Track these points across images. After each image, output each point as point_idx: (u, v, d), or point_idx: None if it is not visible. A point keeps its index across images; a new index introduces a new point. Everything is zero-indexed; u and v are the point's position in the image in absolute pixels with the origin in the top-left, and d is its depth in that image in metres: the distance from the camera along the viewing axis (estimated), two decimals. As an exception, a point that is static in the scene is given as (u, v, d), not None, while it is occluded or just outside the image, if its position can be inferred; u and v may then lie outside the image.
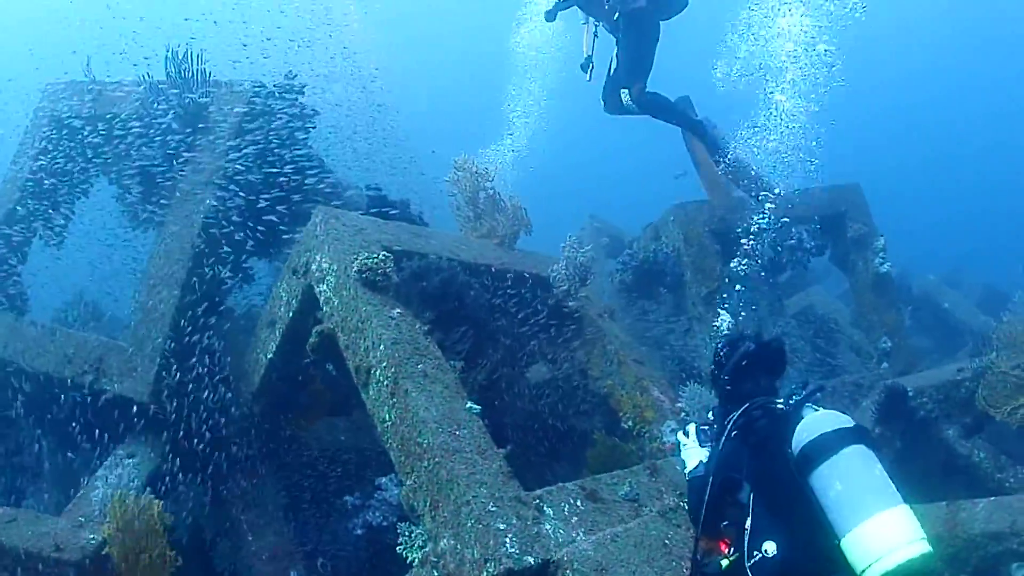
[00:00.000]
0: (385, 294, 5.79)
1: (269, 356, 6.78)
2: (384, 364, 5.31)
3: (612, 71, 8.86)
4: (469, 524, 4.47)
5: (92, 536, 5.97)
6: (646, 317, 10.01)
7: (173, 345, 6.85)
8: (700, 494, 4.68)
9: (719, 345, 5.38)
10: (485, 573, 4.29)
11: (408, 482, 4.98)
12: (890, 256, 10.39)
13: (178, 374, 6.79)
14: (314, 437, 7.50)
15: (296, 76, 7.57)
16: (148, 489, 6.25)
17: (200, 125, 7.34)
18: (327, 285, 6.04)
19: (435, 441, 4.81)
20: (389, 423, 5.19)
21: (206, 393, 6.83)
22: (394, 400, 5.16)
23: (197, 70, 7.39)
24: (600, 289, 9.33)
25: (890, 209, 11.16)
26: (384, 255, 5.80)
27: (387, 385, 5.25)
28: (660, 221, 9.95)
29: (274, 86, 7.49)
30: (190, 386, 6.80)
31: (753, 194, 9.03)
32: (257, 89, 7.39)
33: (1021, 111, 48.30)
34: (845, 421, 4.22)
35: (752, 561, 4.01)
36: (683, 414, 6.96)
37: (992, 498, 6.23)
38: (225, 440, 7.01)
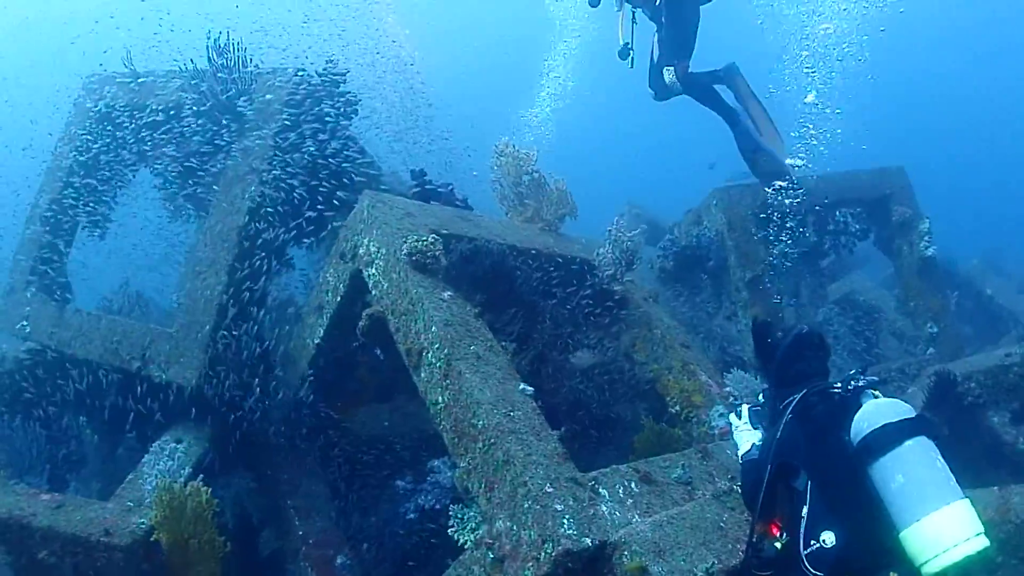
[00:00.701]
0: (435, 277, 5.78)
1: (317, 341, 6.79)
2: (436, 346, 5.28)
3: (655, 57, 8.84)
4: (526, 505, 4.44)
5: (141, 521, 6.00)
6: (687, 302, 9.91)
7: (220, 330, 6.86)
8: (755, 477, 4.62)
9: (760, 330, 5.32)
10: (543, 554, 4.26)
11: (462, 464, 4.95)
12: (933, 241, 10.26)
13: (225, 359, 6.81)
14: (359, 423, 7.52)
15: (337, 63, 7.55)
16: (201, 477, 6.24)
17: (243, 112, 7.35)
18: (376, 269, 6.02)
19: (490, 422, 4.78)
20: (442, 405, 5.16)
21: (253, 378, 6.84)
22: (447, 382, 5.14)
23: (239, 58, 7.39)
24: (640, 276, 9.28)
25: (931, 193, 10.95)
26: (433, 238, 5.78)
27: (439, 367, 5.22)
28: (702, 206, 9.85)
29: (317, 73, 7.48)
30: (238, 371, 6.82)
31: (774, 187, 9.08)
32: (300, 76, 7.38)
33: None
34: (907, 411, 4.14)
35: (809, 550, 3.96)
36: (731, 399, 6.89)
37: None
38: (272, 425, 7.04)
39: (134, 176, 8.35)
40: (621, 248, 7.27)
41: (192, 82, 7.60)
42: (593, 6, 8.80)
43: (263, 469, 7.29)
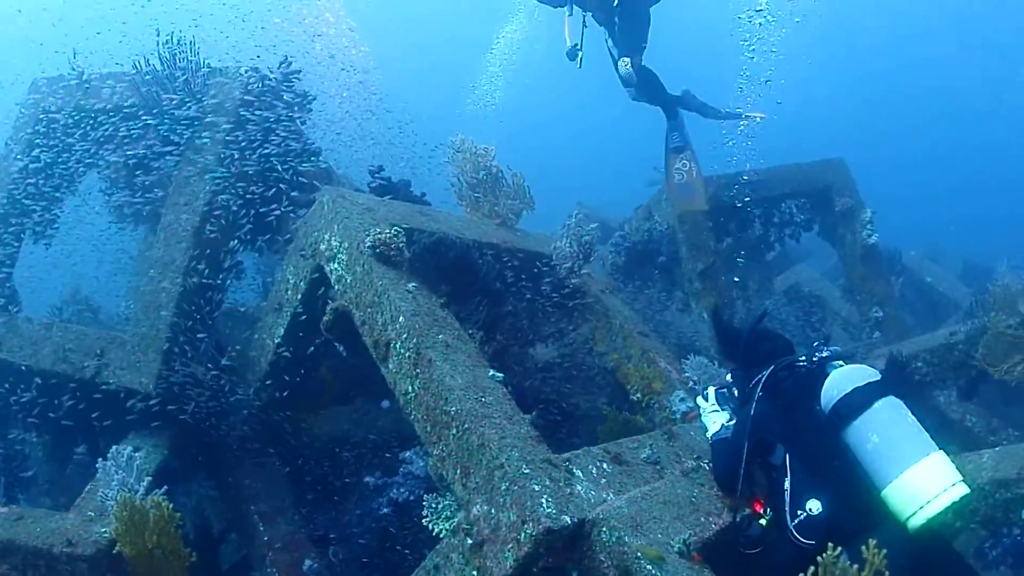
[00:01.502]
0: (399, 269, 5.77)
1: (277, 341, 6.69)
2: (405, 336, 5.27)
3: (615, 58, 9.15)
4: (504, 487, 4.45)
5: (104, 530, 5.81)
6: (640, 296, 10.05)
7: (177, 333, 6.75)
8: (730, 455, 4.76)
9: (721, 317, 5.44)
10: (524, 535, 4.27)
11: (436, 452, 4.94)
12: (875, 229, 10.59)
13: (183, 363, 6.69)
14: (319, 425, 7.46)
15: (292, 62, 7.51)
16: (165, 489, 6.09)
17: (196, 112, 7.26)
18: (338, 263, 5.99)
19: (463, 408, 4.79)
20: (412, 394, 5.15)
21: (212, 382, 6.74)
22: (417, 371, 5.13)
23: (191, 58, 7.30)
24: (593, 272, 9.41)
25: (868, 186, 11.28)
26: (396, 230, 5.78)
27: (409, 357, 5.21)
28: (653, 201, 10.06)
29: (270, 71, 7.43)
30: (196, 375, 6.70)
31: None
32: (253, 75, 7.32)
33: (991, 86, 49.36)
34: (872, 374, 4.31)
35: (797, 520, 4.07)
36: (691, 384, 7.02)
37: (998, 448, 6.35)
38: (233, 429, 6.94)
39: (81, 181, 8.15)
40: (579, 242, 7.35)
41: (142, 81, 7.47)
42: (540, 2, 9.09)
43: (224, 475, 7.17)
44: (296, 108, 7.39)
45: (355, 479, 6.91)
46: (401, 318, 5.34)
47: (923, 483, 3.78)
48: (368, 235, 5.75)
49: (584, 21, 9.27)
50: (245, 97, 7.22)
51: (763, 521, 4.37)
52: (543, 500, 4.33)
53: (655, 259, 10.07)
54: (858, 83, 49.39)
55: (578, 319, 7.62)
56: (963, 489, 3.78)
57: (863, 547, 3.49)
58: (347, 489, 7.01)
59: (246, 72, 7.35)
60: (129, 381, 6.77)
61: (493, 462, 4.55)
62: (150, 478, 6.53)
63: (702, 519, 4.75)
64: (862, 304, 10.43)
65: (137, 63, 7.36)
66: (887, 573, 3.44)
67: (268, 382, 6.86)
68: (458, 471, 4.76)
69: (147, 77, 7.35)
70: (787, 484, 4.16)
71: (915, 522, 3.77)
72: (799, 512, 4.06)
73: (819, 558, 3.50)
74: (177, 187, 7.15)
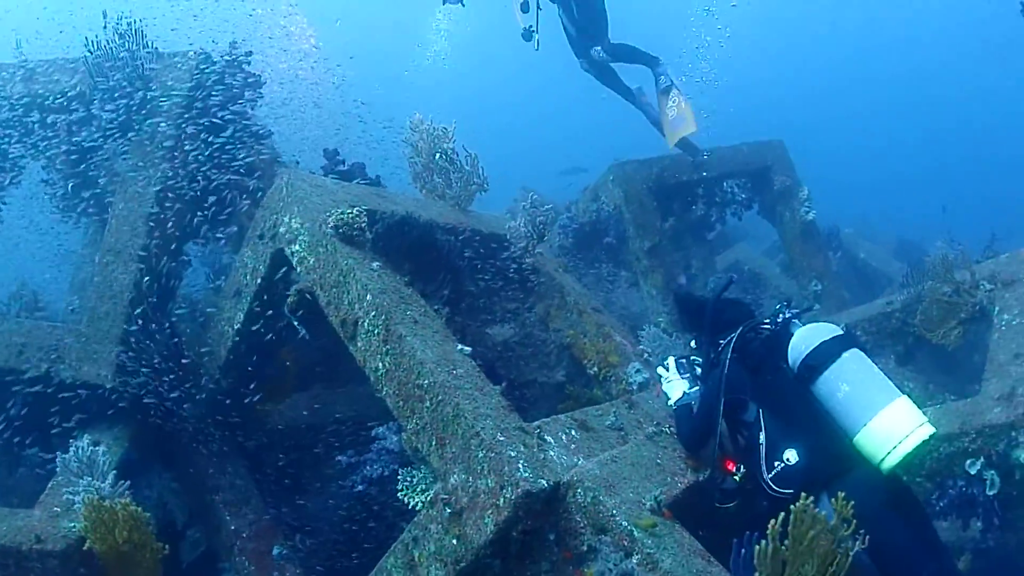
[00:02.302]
0: (363, 248, 5.81)
1: (236, 327, 6.65)
2: (373, 313, 5.32)
3: (573, 35, 9.53)
4: (480, 455, 4.55)
5: (73, 524, 5.68)
6: (588, 276, 10.23)
7: (133, 323, 6.66)
8: (695, 419, 4.95)
9: (681, 291, 5.60)
10: (503, 499, 4.38)
11: (409, 426, 5.01)
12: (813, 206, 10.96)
13: (141, 353, 6.61)
14: (278, 412, 7.46)
15: (240, 45, 7.45)
16: (127, 482, 5.99)
17: (145, 97, 7.16)
18: (300, 245, 5.98)
19: (436, 380, 4.87)
20: (383, 371, 5.20)
21: (171, 371, 6.67)
22: (387, 347, 5.19)
23: (140, 41, 7.18)
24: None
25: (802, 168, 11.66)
26: (358, 210, 5.81)
27: (378, 334, 5.26)
28: (599, 182, 10.22)
29: (220, 56, 7.36)
30: (154, 365, 6.63)
31: None
32: (203, 59, 7.25)
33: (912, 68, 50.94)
34: (835, 329, 4.54)
35: (774, 472, 4.27)
36: (646, 355, 7.21)
37: (938, 405, 6.67)
38: (194, 419, 6.88)
39: (24, 171, 7.93)
40: (533, 223, 7.46)
41: (87, 67, 7.32)
42: None
43: (185, 467, 7.10)
44: (246, 91, 7.32)
45: (321, 461, 6.93)
46: (368, 296, 5.39)
47: (893, 425, 4.00)
48: (331, 216, 5.78)
49: (539, 4, 9.39)
50: (195, 81, 7.14)
51: (736, 477, 4.56)
52: (520, 465, 4.45)
53: (602, 240, 10.26)
54: (804, 72, 50.59)
55: (533, 298, 7.75)
56: (930, 429, 4.02)
57: (832, 499, 3.69)
58: (313, 472, 7.02)
59: (195, 56, 7.27)
60: (86, 374, 6.66)
61: (469, 431, 4.65)
62: (115, 471, 6.46)
63: (669, 479, 4.93)
64: (801, 278, 10.79)
65: (86, 44, 7.19)
66: (854, 522, 3.64)
67: (228, 369, 6.82)
68: (434, 442, 4.85)
69: (93, 62, 7.20)
70: (762, 438, 4.35)
71: (888, 463, 3.99)
72: (776, 463, 4.25)
73: (792, 507, 3.68)
74: (128, 175, 7.04)
